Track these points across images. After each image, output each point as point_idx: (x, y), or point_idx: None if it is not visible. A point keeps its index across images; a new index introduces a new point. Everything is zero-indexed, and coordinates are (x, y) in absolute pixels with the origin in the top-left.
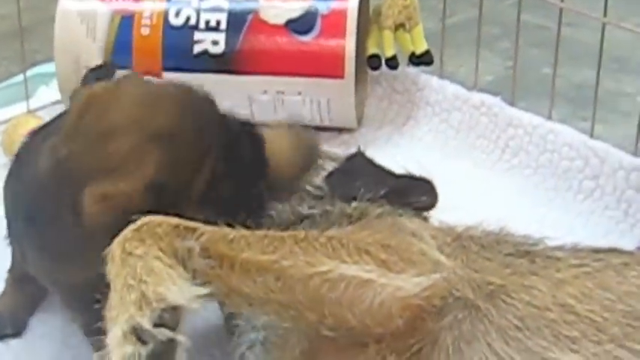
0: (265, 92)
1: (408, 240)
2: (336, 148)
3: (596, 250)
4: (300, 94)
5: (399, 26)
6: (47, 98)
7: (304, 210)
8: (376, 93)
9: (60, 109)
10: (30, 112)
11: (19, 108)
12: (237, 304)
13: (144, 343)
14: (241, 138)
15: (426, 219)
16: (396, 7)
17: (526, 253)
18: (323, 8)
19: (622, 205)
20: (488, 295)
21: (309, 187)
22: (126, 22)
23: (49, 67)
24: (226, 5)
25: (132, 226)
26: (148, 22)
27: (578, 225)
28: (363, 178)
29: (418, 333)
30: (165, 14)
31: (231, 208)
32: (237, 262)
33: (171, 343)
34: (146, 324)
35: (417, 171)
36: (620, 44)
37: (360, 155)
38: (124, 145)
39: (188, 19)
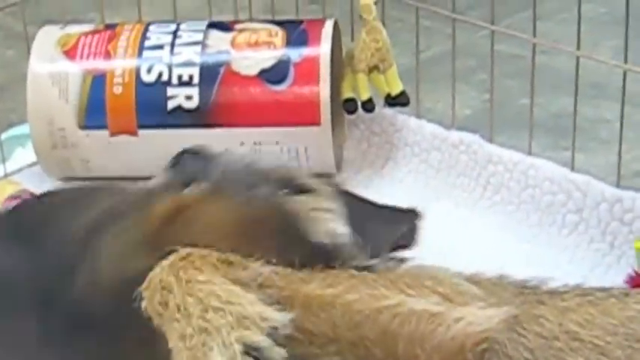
0: (242, 144)
1: (439, 278)
2: None
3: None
4: (277, 143)
5: (372, 68)
6: (24, 160)
7: None
8: (354, 136)
9: (37, 171)
10: (7, 175)
11: None
12: (298, 343)
13: None
14: None
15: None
16: (368, 50)
17: (532, 289)
18: (295, 56)
19: (607, 238)
20: (509, 323)
21: None
22: (98, 82)
23: (24, 129)
24: (198, 59)
25: (175, 256)
26: (120, 80)
27: (564, 260)
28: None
29: None
30: (137, 71)
31: None
32: (297, 298)
33: None
34: (264, 342)
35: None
36: (597, 70)
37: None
38: None
39: (160, 74)
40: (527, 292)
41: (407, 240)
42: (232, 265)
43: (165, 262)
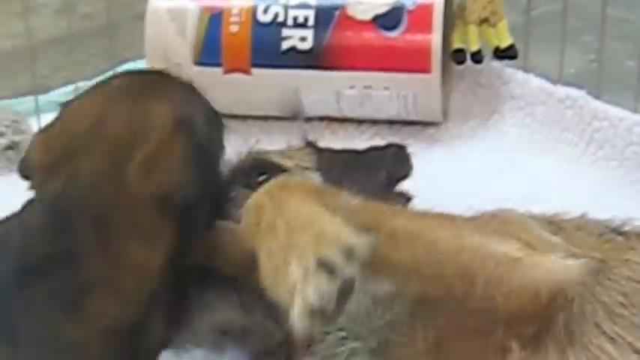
0: (353, 87)
1: (524, 226)
2: (422, 142)
3: None
4: (387, 88)
5: (483, 21)
6: None
7: None
8: (460, 87)
9: None
10: None
11: None
12: (380, 273)
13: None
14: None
15: (409, 198)
16: (480, 1)
17: (618, 230)
18: (409, 3)
19: None
20: (591, 271)
21: None
22: (215, 20)
23: (137, 65)
24: (314, 2)
25: (273, 182)
26: (236, 19)
27: None
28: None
29: (538, 318)
30: (254, 11)
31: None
32: (383, 229)
33: (349, 285)
34: (338, 258)
35: (502, 166)
36: None
37: (322, 151)
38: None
39: (276, 15)
40: (615, 237)
41: (403, 170)
42: (324, 193)
43: (264, 187)
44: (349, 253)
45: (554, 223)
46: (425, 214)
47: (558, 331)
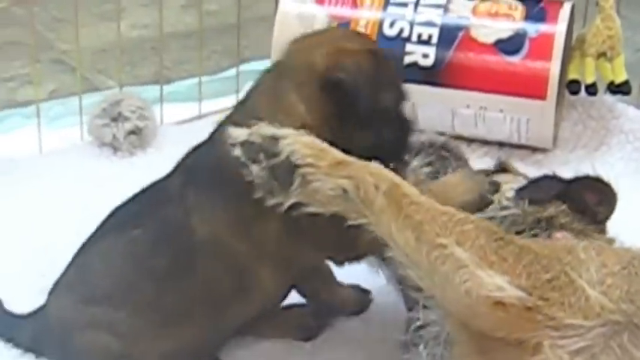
0: (468, 107)
1: (567, 268)
2: (530, 167)
3: None
4: (501, 111)
5: (601, 54)
6: None
7: (499, 212)
8: (572, 117)
9: None
10: None
11: (228, 101)
12: (391, 249)
13: None
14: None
15: (603, 230)
16: (600, 36)
17: None
18: (532, 31)
19: None
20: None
21: (501, 199)
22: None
23: (259, 65)
24: (439, 20)
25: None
26: (363, 29)
27: None
28: (545, 187)
29: (524, 346)
30: (380, 24)
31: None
32: (401, 215)
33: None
34: None
35: None
36: None
37: (548, 176)
38: (347, 32)
39: (401, 30)
40: None
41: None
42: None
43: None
44: None
45: (629, 265)
46: (439, 209)
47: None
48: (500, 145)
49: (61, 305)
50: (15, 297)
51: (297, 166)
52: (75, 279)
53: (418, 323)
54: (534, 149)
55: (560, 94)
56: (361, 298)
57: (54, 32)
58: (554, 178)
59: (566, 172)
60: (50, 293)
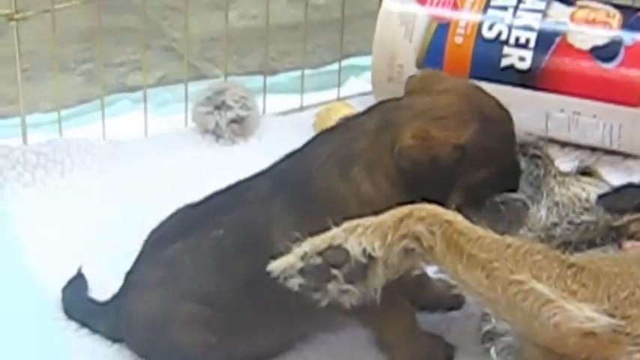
0: (562, 111)
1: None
2: (620, 173)
3: None
4: (595, 116)
5: None
6: (356, 89)
7: (576, 218)
8: None
9: (368, 100)
10: (340, 99)
11: (329, 95)
12: (461, 288)
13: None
14: (517, 166)
15: None
16: None
17: None
18: (628, 39)
19: None
20: (612, 328)
21: (577, 201)
22: (442, 29)
23: (361, 60)
24: (537, 25)
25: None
26: (462, 31)
27: None
28: (628, 196)
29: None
30: (480, 26)
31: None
32: (465, 255)
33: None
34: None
35: None
36: None
37: (633, 184)
38: (454, 105)
39: (500, 33)
40: None
41: None
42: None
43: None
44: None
45: None
46: (504, 245)
47: None
48: (593, 150)
49: (153, 301)
50: (106, 279)
51: (371, 257)
52: (165, 275)
53: (488, 328)
54: (626, 155)
55: None
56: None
57: (166, 20)
58: (638, 187)
59: None
60: (132, 287)
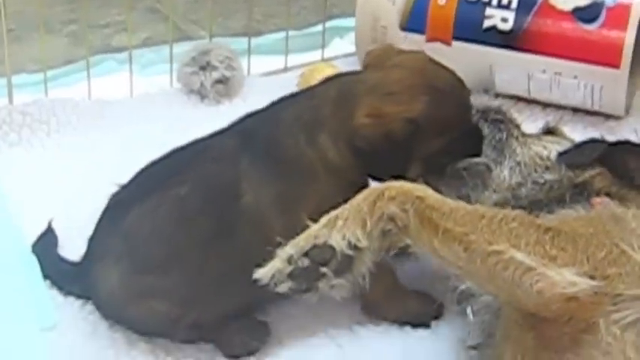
0: (544, 72)
1: (616, 240)
2: (603, 133)
3: None
4: (576, 77)
5: None
6: (340, 50)
7: (540, 178)
8: None
9: (352, 61)
10: (325, 60)
11: (314, 55)
12: (440, 263)
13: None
14: (472, 133)
15: None
16: None
17: None
18: (609, 0)
19: None
20: (597, 290)
21: (538, 159)
22: None
23: (345, 22)
24: None
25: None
26: None
27: None
28: (587, 150)
29: (578, 321)
30: None
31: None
32: (440, 229)
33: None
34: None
35: None
36: None
37: (594, 140)
38: (405, 79)
39: None
40: None
41: None
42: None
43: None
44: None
45: None
46: (479, 216)
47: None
48: (575, 110)
49: (112, 277)
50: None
51: (356, 248)
52: (123, 248)
53: (463, 288)
54: (607, 116)
55: (636, 64)
56: None
57: None
58: (598, 142)
59: (637, 140)
60: (94, 258)
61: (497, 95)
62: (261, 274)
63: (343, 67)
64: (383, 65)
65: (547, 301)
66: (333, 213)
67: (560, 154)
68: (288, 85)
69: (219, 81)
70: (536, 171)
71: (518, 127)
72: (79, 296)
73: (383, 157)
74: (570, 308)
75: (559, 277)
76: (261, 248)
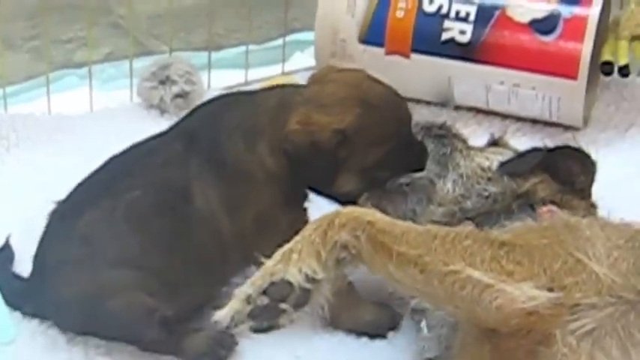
0: (502, 83)
1: (571, 249)
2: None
3: None
4: (534, 89)
5: (635, 37)
6: (301, 63)
7: (483, 191)
8: (605, 97)
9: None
10: (285, 74)
11: (274, 69)
12: (397, 288)
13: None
14: (413, 148)
15: (594, 206)
16: (634, 19)
17: None
18: (566, 12)
19: None
20: (555, 303)
21: (480, 171)
22: (383, 4)
23: (306, 36)
24: None
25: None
26: (403, 5)
27: None
28: (528, 158)
29: (535, 333)
30: (420, 1)
31: (373, 190)
32: (394, 253)
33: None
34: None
35: (632, 176)
36: None
37: (536, 148)
38: (338, 93)
39: (440, 7)
40: None
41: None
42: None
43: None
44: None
45: (632, 240)
46: (432, 237)
47: (595, 338)
48: (534, 122)
49: (77, 282)
50: None
51: (314, 280)
52: (83, 251)
53: (415, 303)
54: (566, 127)
55: (594, 75)
56: None
57: None
58: (539, 150)
59: (595, 151)
60: (53, 267)
61: (456, 107)
62: (221, 316)
63: (303, 80)
64: (321, 80)
65: (507, 316)
66: (287, 247)
67: (502, 164)
68: None
69: (178, 95)
70: (479, 183)
71: (464, 141)
72: (33, 315)
73: (310, 165)
74: (530, 322)
75: (518, 292)
76: (216, 247)
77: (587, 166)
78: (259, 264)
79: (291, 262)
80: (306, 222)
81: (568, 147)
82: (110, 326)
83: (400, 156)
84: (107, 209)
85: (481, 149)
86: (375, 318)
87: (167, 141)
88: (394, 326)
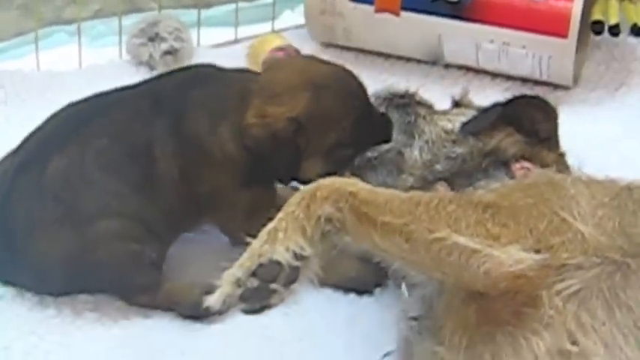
0: (492, 42)
1: (556, 208)
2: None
3: None
4: (524, 47)
5: None
6: (291, 22)
7: (451, 153)
8: (595, 57)
9: (302, 33)
10: (275, 32)
11: (264, 27)
12: (382, 258)
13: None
14: (375, 121)
15: (562, 155)
16: None
17: None
18: None
19: None
20: (543, 265)
21: (444, 134)
22: None
23: None
24: None
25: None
26: None
27: None
28: (488, 114)
29: (522, 295)
30: None
31: (341, 169)
32: (378, 223)
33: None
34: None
35: (621, 136)
36: None
37: (496, 104)
38: (287, 80)
39: None
40: None
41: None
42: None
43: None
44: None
45: (618, 197)
46: (416, 204)
47: (581, 298)
48: (524, 80)
49: (63, 236)
50: None
51: (302, 257)
52: (62, 206)
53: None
54: (556, 86)
55: (585, 34)
56: None
57: None
58: (499, 105)
59: (584, 110)
60: (28, 229)
61: (446, 66)
62: (211, 301)
63: (293, 38)
64: (272, 67)
65: (495, 280)
66: (271, 225)
67: (464, 125)
68: (237, 57)
69: (167, 52)
70: (444, 146)
71: (430, 106)
72: (5, 283)
73: (273, 158)
74: (518, 284)
75: (505, 256)
76: (176, 203)
77: (548, 112)
78: (246, 244)
79: (277, 241)
80: (273, 194)
81: (525, 96)
82: (100, 279)
83: (362, 131)
84: (75, 156)
85: (444, 112)
86: (359, 274)
87: (133, 97)
88: (380, 283)
